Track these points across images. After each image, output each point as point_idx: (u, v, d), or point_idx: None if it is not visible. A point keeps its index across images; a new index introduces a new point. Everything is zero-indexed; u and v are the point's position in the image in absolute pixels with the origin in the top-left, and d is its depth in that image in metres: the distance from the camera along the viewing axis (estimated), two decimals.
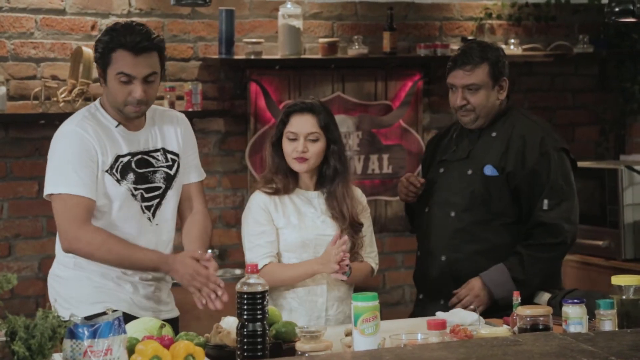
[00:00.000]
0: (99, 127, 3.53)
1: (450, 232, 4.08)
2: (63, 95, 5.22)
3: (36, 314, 2.56)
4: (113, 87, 3.50)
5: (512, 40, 6.12)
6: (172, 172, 3.65)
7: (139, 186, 3.55)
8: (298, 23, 5.64)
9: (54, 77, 5.34)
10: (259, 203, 3.75)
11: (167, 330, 3.05)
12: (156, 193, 3.60)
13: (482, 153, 4.11)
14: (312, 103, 3.77)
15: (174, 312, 3.70)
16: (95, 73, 4.30)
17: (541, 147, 4.07)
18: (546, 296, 3.85)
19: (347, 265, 3.57)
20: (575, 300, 3.15)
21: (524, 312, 3.15)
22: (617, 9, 3.81)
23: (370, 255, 3.82)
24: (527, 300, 3.72)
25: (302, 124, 3.72)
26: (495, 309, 3.83)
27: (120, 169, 3.53)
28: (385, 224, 5.96)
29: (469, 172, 4.10)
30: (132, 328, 3.01)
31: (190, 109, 5.44)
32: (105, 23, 5.33)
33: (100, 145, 3.50)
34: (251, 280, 2.89)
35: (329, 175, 3.76)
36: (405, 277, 5.87)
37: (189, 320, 3.64)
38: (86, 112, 3.58)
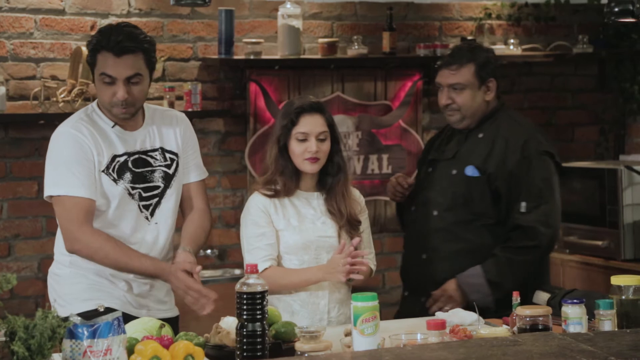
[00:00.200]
0: (95, 128, 3.55)
1: (432, 232, 4.11)
2: (62, 96, 5.22)
3: (36, 314, 2.56)
4: (99, 88, 3.54)
5: (512, 41, 6.12)
6: (170, 172, 3.65)
7: (136, 185, 3.57)
8: (298, 23, 5.64)
9: (53, 77, 5.34)
10: (258, 205, 3.72)
11: (167, 331, 3.05)
12: (155, 192, 3.61)
13: (468, 154, 4.14)
14: (320, 102, 3.77)
15: (173, 312, 3.70)
16: None
17: (523, 150, 4.08)
18: (545, 296, 3.85)
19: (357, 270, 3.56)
20: (575, 301, 3.14)
21: (523, 312, 3.14)
22: (616, 9, 3.80)
23: (369, 257, 3.82)
24: (503, 302, 3.73)
25: (313, 124, 3.69)
26: (493, 310, 3.84)
27: (117, 168, 3.54)
28: (385, 224, 5.95)
29: (454, 172, 4.14)
30: (131, 328, 3.01)
31: (189, 109, 5.44)
32: (104, 23, 5.33)
33: (95, 145, 3.52)
34: (250, 281, 2.89)
35: (332, 173, 3.74)
36: None
37: (189, 320, 3.64)
38: (82, 113, 3.62)
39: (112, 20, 5.34)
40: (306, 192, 3.75)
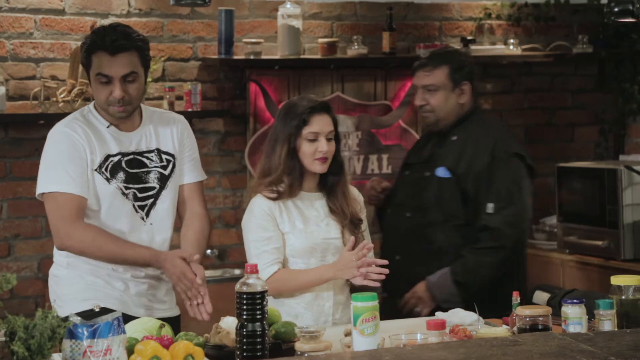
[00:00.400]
0: (89, 128, 3.57)
1: (404, 233, 4.17)
2: (62, 96, 5.23)
3: (35, 314, 2.56)
4: (95, 88, 3.55)
5: (512, 41, 6.12)
6: (166, 173, 3.66)
7: (130, 185, 3.57)
8: (297, 23, 5.64)
9: (53, 77, 5.34)
10: (262, 208, 3.66)
11: (167, 331, 3.05)
12: (150, 193, 3.62)
13: (441, 156, 4.22)
14: (327, 101, 3.77)
15: (173, 311, 3.70)
16: None
17: (492, 152, 4.14)
18: (545, 296, 3.85)
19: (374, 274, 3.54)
20: (575, 301, 3.14)
21: (523, 312, 3.14)
22: (616, 9, 3.80)
23: (368, 255, 3.81)
24: (469, 303, 3.75)
25: (323, 123, 3.67)
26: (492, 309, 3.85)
27: (110, 168, 3.55)
28: None
29: (427, 174, 4.22)
30: (131, 328, 3.01)
31: (189, 109, 5.44)
32: (104, 23, 5.33)
33: (89, 144, 3.54)
34: (250, 281, 2.89)
35: (335, 173, 3.72)
36: None
37: (189, 320, 3.63)
38: (78, 114, 3.64)
39: (112, 20, 5.34)
40: (308, 192, 3.73)
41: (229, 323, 3.11)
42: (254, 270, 2.91)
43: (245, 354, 2.88)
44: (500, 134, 4.25)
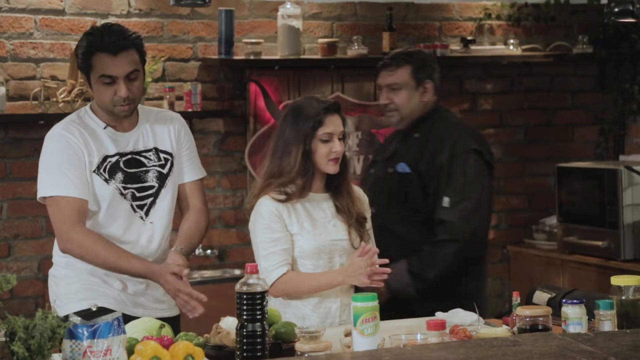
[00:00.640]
0: (86, 129, 3.58)
1: (372, 229, 4.19)
2: (62, 96, 5.23)
3: (35, 314, 2.56)
4: (98, 91, 3.54)
5: (512, 41, 6.13)
6: (165, 171, 3.67)
7: (128, 185, 3.58)
8: (297, 23, 5.64)
9: (53, 78, 5.34)
10: (270, 209, 3.64)
11: (167, 331, 3.05)
12: (149, 192, 3.63)
13: (404, 153, 4.33)
14: (337, 101, 3.77)
15: (173, 311, 3.70)
16: None
17: (452, 148, 4.24)
18: (545, 296, 3.85)
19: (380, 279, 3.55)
20: (575, 301, 3.14)
21: (523, 312, 3.14)
22: (616, 10, 3.80)
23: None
24: (424, 295, 3.82)
25: (337, 124, 3.66)
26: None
27: (109, 169, 3.56)
28: None
29: (390, 170, 4.32)
30: (131, 328, 3.01)
31: (189, 110, 5.45)
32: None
33: (86, 146, 3.55)
34: (250, 281, 2.89)
35: (340, 172, 3.70)
36: None
37: (189, 320, 3.64)
38: (74, 115, 3.65)
39: (112, 20, 5.34)
40: (316, 193, 3.71)
41: (229, 323, 3.11)
42: (254, 270, 2.91)
43: (245, 354, 2.88)
44: (461, 131, 4.34)
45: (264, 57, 5.64)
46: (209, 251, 5.56)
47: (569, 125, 6.45)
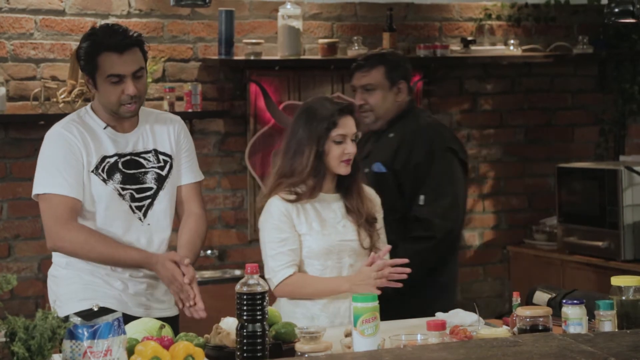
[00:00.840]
0: (85, 129, 3.58)
1: None
2: (63, 96, 5.23)
3: (36, 314, 2.56)
4: (105, 90, 3.54)
5: (512, 41, 6.13)
6: (163, 173, 3.67)
7: (127, 186, 3.58)
8: (298, 24, 5.64)
9: (53, 78, 5.34)
10: (280, 209, 3.64)
11: (167, 331, 3.05)
12: (147, 194, 3.63)
13: (378, 153, 4.36)
14: (352, 103, 3.77)
15: (172, 311, 3.70)
16: None
17: (427, 147, 4.29)
18: (545, 297, 3.85)
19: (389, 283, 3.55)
20: (575, 301, 3.15)
21: (523, 312, 3.15)
22: (616, 10, 3.81)
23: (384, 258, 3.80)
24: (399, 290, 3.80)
25: (350, 125, 3.67)
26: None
27: (107, 169, 3.56)
28: None
29: (365, 170, 4.29)
30: (131, 329, 3.01)
31: (189, 110, 5.45)
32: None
33: (85, 146, 3.55)
34: (251, 281, 2.89)
35: (351, 172, 3.70)
36: None
37: (189, 320, 3.64)
38: (75, 115, 3.65)
39: (113, 20, 5.34)
40: (326, 194, 3.71)
41: (229, 324, 3.11)
42: (254, 270, 2.91)
43: (245, 354, 2.88)
44: (435, 130, 4.39)
45: (264, 57, 5.64)
46: (209, 251, 5.56)
47: (569, 126, 6.45)
